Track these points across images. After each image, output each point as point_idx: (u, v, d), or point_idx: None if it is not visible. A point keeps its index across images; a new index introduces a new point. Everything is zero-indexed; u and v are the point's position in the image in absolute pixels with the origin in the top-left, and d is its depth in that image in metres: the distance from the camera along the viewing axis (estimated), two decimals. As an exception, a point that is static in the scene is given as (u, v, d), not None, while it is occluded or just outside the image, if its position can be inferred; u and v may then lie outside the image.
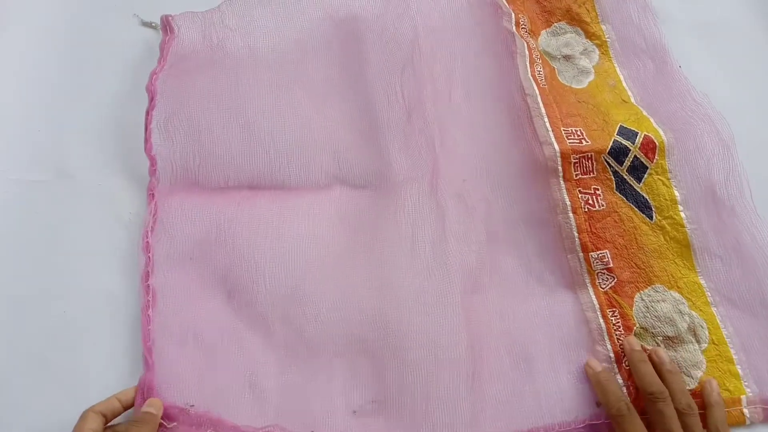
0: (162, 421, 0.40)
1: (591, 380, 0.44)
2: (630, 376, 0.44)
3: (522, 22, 0.55)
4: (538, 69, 0.52)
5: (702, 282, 0.48)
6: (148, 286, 0.43)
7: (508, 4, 0.55)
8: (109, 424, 0.39)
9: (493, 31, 0.54)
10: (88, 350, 0.44)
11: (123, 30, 0.54)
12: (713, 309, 0.47)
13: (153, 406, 0.39)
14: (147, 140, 0.47)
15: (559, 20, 0.57)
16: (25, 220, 0.47)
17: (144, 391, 0.40)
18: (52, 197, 0.48)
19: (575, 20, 0.57)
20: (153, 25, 0.53)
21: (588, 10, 0.57)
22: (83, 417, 0.37)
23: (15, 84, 0.51)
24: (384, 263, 0.46)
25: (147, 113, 0.48)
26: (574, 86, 0.54)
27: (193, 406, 0.41)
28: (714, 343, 0.46)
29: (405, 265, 0.46)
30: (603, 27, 0.57)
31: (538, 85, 0.51)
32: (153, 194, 0.46)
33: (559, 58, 0.55)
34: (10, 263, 0.45)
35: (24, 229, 0.46)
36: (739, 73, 0.58)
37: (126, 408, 0.40)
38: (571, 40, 0.56)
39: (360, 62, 0.52)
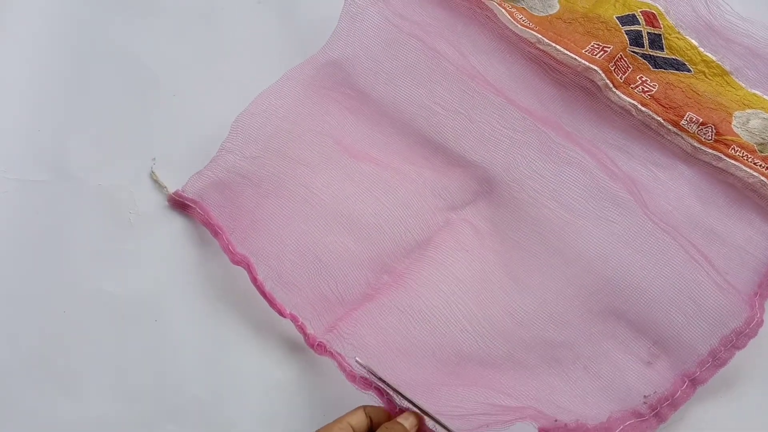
0: None
1: None
2: None
3: None
4: (520, 17, 0.53)
5: (754, 91, 0.53)
6: (396, 394, 0.40)
7: None
8: None
9: (464, 7, 0.54)
10: (88, 350, 0.44)
11: (124, 28, 0.54)
12: None
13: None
14: (273, 304, 0.44)
15: None
16: (25, 220, 0.47)
17: None
18: (52, 197, 0.48)
19: None
20: (164, 190, 0.48)
21: None
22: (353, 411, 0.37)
23: (15, 84, 0.51)
24: (566, 245, 0.46)
25: (254, 281, 0.44)
26: (551, 13, 0.55)
27: (557, 420, 0.41)
28: None
29: (583, 230, 0.46)
30: None
31: (532, 29, 0.52)
32: (320, 344, 0.43)
33: None
34: (9, 263, 0.45)
35: (24, 229, 0.47)
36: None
37: None
38: None
39: (383, 107, 0.50)
